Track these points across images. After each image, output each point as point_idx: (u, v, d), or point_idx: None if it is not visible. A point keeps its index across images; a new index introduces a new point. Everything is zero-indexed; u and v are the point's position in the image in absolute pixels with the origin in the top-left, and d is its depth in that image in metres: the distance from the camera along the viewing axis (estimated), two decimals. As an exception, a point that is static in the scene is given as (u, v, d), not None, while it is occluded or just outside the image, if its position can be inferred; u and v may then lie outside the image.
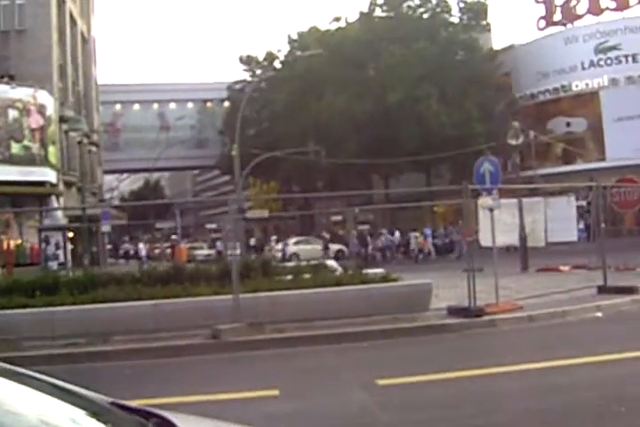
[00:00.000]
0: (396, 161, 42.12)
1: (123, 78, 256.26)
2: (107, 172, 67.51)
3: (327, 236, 45.82)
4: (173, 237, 77.35)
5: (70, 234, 37.14)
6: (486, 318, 12.64)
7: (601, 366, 8.86)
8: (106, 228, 31.38)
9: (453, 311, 12.97)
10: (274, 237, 63.30)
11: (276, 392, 8.44)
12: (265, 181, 67.50)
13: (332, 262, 20.42)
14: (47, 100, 38.16)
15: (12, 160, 36.17)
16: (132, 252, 58.70)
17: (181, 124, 67.46)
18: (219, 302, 12.34)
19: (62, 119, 41.06)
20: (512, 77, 51.35)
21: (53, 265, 31.49)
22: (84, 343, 11.94)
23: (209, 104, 70.76)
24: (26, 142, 37.07)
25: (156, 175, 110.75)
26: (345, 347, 11.39)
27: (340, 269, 16.59)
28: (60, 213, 32.69)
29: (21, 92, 36.58)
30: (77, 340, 12.00)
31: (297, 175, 55.45)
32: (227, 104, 65.24)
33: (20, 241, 37.34)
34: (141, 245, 54.19)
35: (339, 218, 48.40)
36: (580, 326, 12.48)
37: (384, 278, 13.52)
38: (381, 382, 8.70)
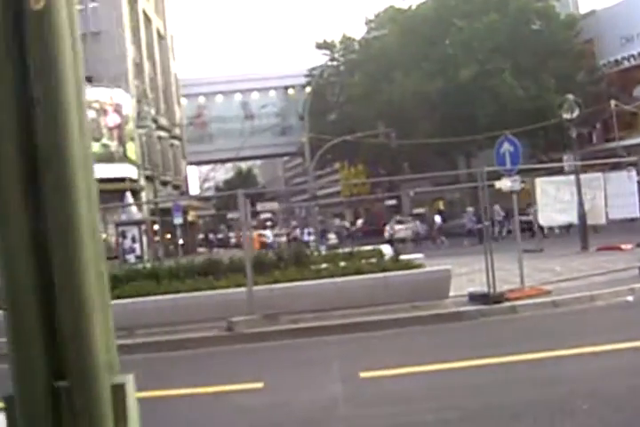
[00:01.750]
0: (472, 138, 41.30)
1: (205, 71, 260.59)
2: (193, 163, 68.88)
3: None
4: (268, 223, 78.68)
5: (156, 227, 38.29)
6: (507, 304, 12.28)
7: (615, 355, 8.40)
8: (178, 220, 32.01)
9: (474, 298, 12.66)
10: (360, 221, 63.56)
11: (260, 385, 8.48)
12: (352, 165, 67.49)
13: (386, 248, 20.30)
14: (123, 98, 39.28)
15: (93, 158, 37.45)
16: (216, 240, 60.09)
17: (265, 113, 67.88)
18: (236, 295, 12.46)
19: (140, 116, 42.20)
20: (594, 44, 49.26)
21: (131, 258, 32.56)
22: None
23: (291, 91, 71.06)
24: (104, 141, 38.34)
25: (248, 164, 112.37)
26: (355, 337, 11.32)
27: (390, 255, 16.43)
28: (135, 208, 33.60)
29: (98, 93, 37.80)
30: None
31: (378, 158, 55.11)
32: (308, 90, 65.30)
33: (103, 235, 38.73)
34: (231, 234, 55.24)
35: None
36: (606, 311, 11.90)
37: (405, 265, 13.30)
38: (371, 373, 8.63)
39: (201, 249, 58.03)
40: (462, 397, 7.31)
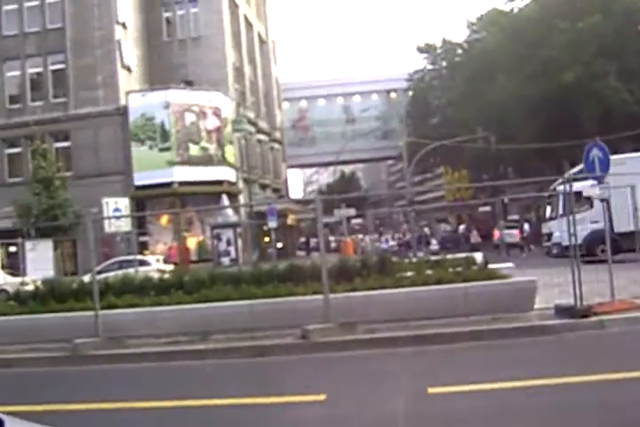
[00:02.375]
0: (576, 143, 39.87)
1: (307, 75, 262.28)
2: (294, 167, 69.36)
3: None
4: (381, 229, 78.28)
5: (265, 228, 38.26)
6: (594, 318, 11.60)
7: None
8: (272, 224, 32.12)
9: (560, 311, 12.01)
10: (462, 226, 62.48)
11: (322, 397, 8.25)
12: (455, 170, 66.64)
13: (478, 256, 19.71)
14: (222, 102, 39.82)
15: (191, 161, 38.20)
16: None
17: (367, 116, 67.85)
18: (313, 302, 12.27)
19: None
20: None
21: (225, 261, 32.93)
22: (183, 341, 12.39)
23: (393, 95, 70.69)
24: (203, 144, 38.96)
25: (351, 167, 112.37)
26: (430, 349, 10.94)
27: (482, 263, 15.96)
28: (231, 211, 33.95)
29: (197, 97, 38.53)
30: (179, 338, 12.49)
31: (480, 162, 54.11)
32: (410, 93, 64.87)
33: (201, 238, 39.32)
34: (331, 238, 55.21)
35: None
36: None
37: (488, 275, 12.79)
38: (440, 389, 8.26)
39: (300, 253, 58.28)
40: (537, 418, 6.87)
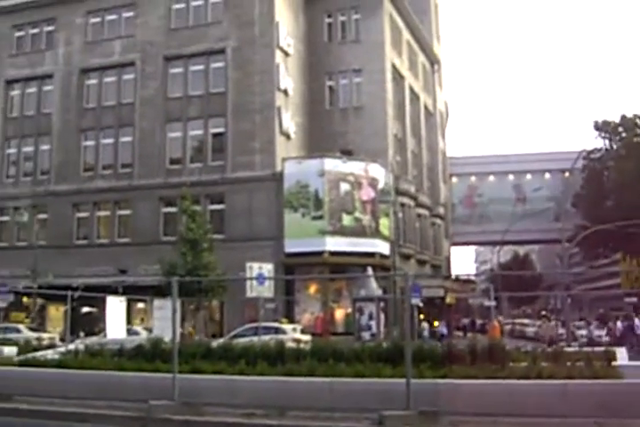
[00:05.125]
0: None
1: (476, 150, 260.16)
2: (458, 244, 67.64)
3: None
4: (543, 312, 74.54)
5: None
6: None
7: None
8: (415, 301, 30.87)
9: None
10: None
11: None
12: (635, 256, 62.32)
13: (621, 352, 17.54)
14: (379, 173, 39.35)
15: (344, 231, 37.75)
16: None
17: (538, 196, 65.36)
18: (395, 386, 11.10)
19: (398, 192, 42.09)
20: None
21: (366, 335, 31.87)
22: (259, 415, 11.71)
23: (567, 174, 67.88)
24: (357, 214, 38.47)
25: (526, 248, 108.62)
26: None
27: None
28: (375, 284, 32.99)
29: (353, 166, 38.30)
30: (256, 410, 11.83)
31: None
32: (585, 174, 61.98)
33: (349, 310, 38.48)
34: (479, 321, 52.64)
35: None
36: None
37: (598, 373, 11.08)
38: None
39: (458, 333, 56.12)
40: None
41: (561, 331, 43.03)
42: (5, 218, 43.28)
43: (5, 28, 45.41)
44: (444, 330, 43.51)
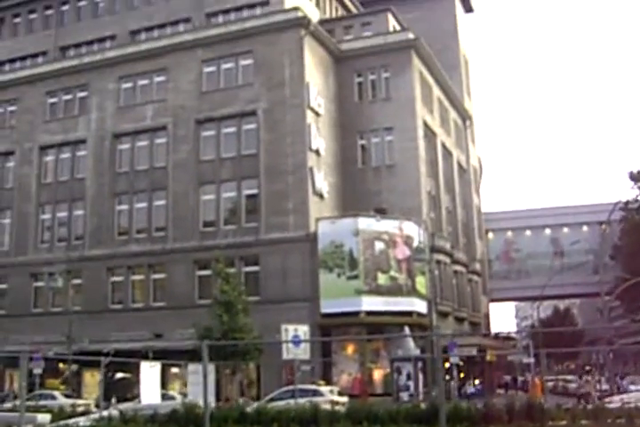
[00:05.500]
0: None
1: (511, 204, 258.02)
2: (497, 300, 66.62)
3: None
4: (587, 368, 72.62)
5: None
6: None
7: None
8: (453, 359, 30.13)
9: None
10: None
11: None
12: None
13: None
14: (414, 230, 38.94)
15: (379, 290, 37.24)
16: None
17: (576, 249, 64.34)
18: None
19: (433, 249, 41.56)
20: None
21: (404, 396, 31.13)
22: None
23: (604, 226, 66.92)
24: (392, 273, 37.99)
25: (566, 302, 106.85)
26: None
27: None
28: (412, 344, 32.30)
29: (387, 225, 37.98)
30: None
31: None
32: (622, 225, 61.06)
33: (388, 370, 37.67)
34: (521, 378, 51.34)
35: None
36: None
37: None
38: None
39: (500, 390, 54.83)
40: None
41: (605, 386, 41.77)
42: (40, 284, 43.32)
43: (39, 94, 46.32)
44: (471, 389, 42.48)
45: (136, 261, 40.92)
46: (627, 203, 57.21)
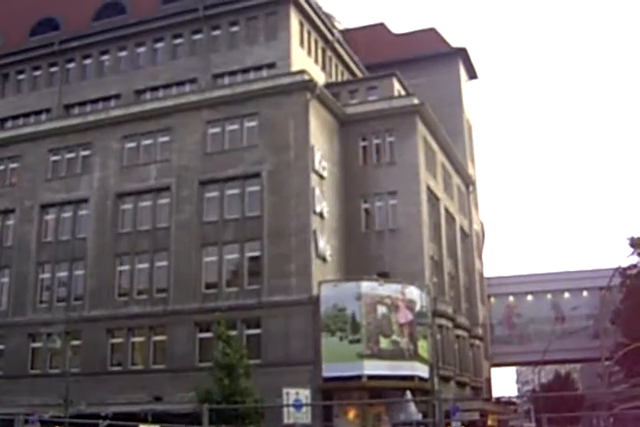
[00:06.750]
0: None
1: (513, 269, 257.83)
2: (498, 365, 65.96)
3: None
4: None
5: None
6: None
7: None
8: (455, 424, 29.71)
9: None
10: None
11: None
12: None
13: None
14: (416, 295, 38.81)
15: (381, 355, 36.91)
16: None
17: (577, 314, 64.21)
18: None
19: (435, 314, 41.40)
20: None
21: (410, 463, 30.54)
22: None
23: (604, 292, 66.83)
24: (394, 337, 37.70)
25: (567, 367, 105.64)
26: None
27: None
28: (414, 408, 31.91)
29: (390, 289, 37.87)
30: None
31: None
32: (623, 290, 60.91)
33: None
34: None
35: None
36: None
37: None
38: None
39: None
40: None
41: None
42: (38, 344, 42.71)
43: (41, 152, 46.22)
44: None
45: (136, 322, 40.43)
46: (626, 268, 57.19)
